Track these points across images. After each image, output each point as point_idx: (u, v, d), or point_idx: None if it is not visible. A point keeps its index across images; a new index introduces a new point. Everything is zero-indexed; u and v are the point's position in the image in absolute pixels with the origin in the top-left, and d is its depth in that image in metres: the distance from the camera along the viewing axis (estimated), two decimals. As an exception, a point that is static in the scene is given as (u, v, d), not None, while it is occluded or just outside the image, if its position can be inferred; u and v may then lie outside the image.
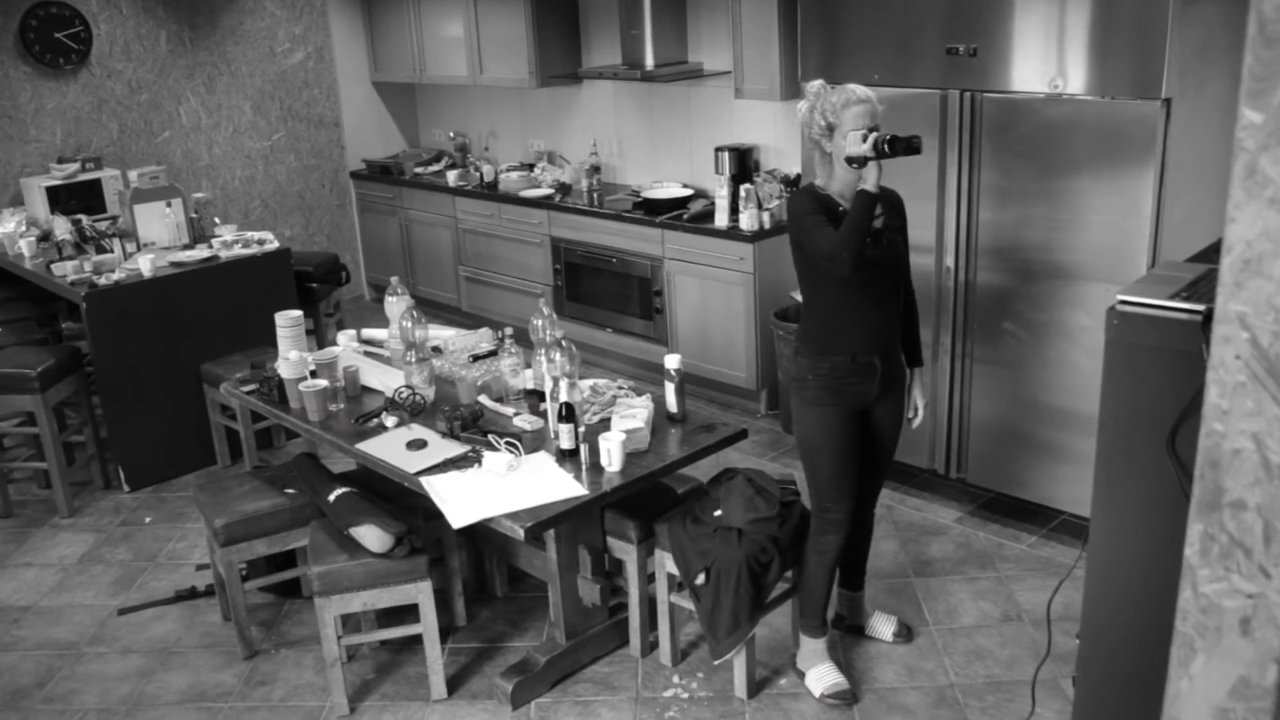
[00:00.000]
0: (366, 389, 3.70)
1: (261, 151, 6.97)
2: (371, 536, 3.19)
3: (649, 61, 5.55)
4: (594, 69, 6.03)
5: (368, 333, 4.16)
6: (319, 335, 5.53)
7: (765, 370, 5.21)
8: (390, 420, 3.40)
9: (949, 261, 4.08)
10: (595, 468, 3.09)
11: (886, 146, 2.87)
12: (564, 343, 3.38)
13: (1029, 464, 4.07)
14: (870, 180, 2.90)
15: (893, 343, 3.14)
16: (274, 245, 5.18)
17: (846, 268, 2.94)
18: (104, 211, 5.67)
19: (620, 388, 3.55)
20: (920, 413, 3.32)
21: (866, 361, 3.08)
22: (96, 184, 5.76)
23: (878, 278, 3.06)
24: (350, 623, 3.59)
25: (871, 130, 2.90)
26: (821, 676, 3.26)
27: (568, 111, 6.55)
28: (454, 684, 3.42)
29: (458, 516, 2.91)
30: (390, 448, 3.27)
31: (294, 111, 7.06)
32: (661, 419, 3.39)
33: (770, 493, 3.26)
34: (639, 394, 3.52)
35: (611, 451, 3.06)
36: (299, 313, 3.85)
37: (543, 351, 3.48)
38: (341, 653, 3.32)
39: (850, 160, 2.90)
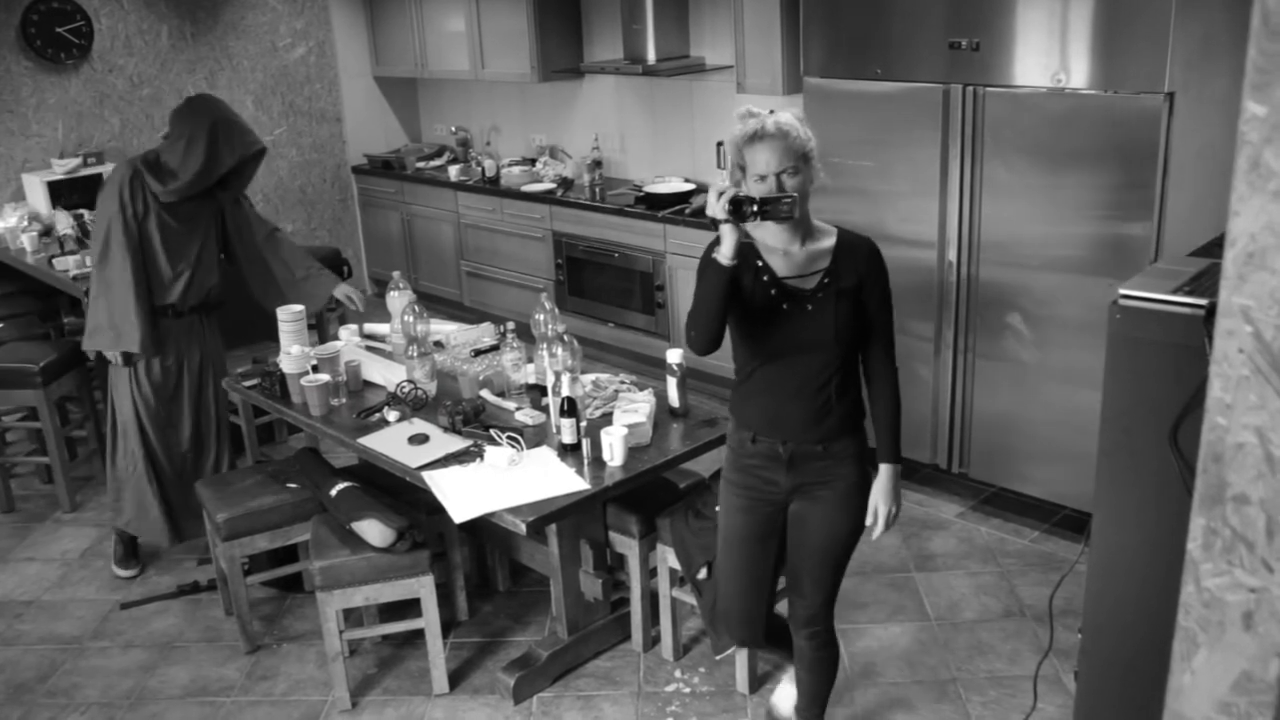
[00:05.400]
0: (368, 384, 3.70)
1: (263, 146, 6.96)
2: (373, 531, 3.19)
3: (651, 56, 5.54)
4: (596, 63, 6.03)
5: (370, 327, 4.16)
6: (321, 330, 5.53)
7: (767, 365, 5.20)
8: (392, 415, 3.40)
9: (951, 256, 4.08)
10: (597, 462, 3.09)
11: (746, 208, 2.31)
12: (566, 337, 3.38)
13: (1031, 459, 4.06)
14: (724, 250, 2.35)
15: (812, 433, 2.53)
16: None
17: (698, 348, 2.50)
18: (106, 206, 5.67)
19: (622, 382, 3.55)
20: (881, 523, 2.61)
21: (769, 447, 2.56)
22: (98, 179, 5.75)
23: (791, 352, 2.50)
24: (352, 617, 3.59)
25: (762, 179, 2.38)
26: (783, 697, 3.07)
27: (570, 106, 6.54)
28: (456, 678, 3.42)
29: (459, 511, 2.91)
30: (392, 442, 3.27)
31: (295, 106, 7.06)
32: (663, 413, 3.39)
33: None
34: (641, 388, 3.51)
35: (613, 446, 3.06)
36: (301, 307, 3.85)
37: (544, 346, 3.47)
38: (343, 647, 3.32)
39: (713, 221, 2.36)
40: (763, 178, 2.38)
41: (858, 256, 2.52)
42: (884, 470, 2.62)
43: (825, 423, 2.53)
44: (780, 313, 2.48)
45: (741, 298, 2.46)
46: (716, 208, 2.31)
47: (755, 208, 2.31)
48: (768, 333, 2.50)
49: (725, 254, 2.35)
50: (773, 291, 2.48)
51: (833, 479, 2.58)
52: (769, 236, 2.50)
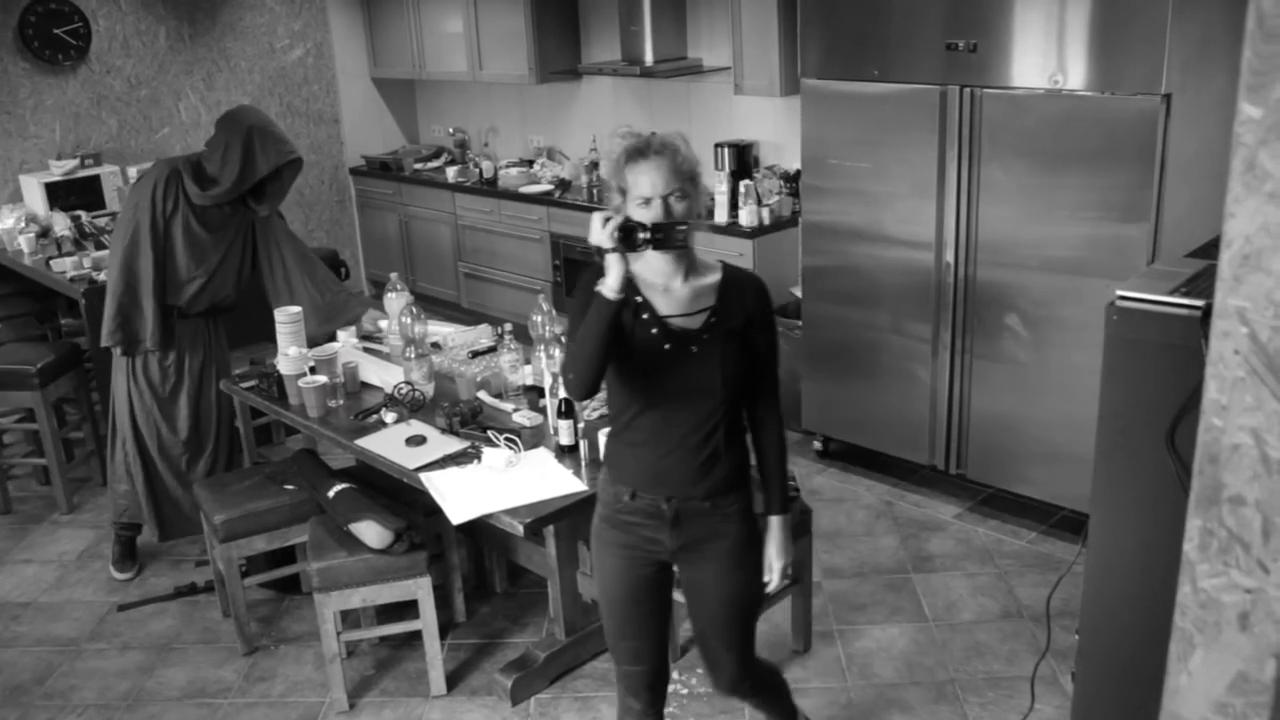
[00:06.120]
0: (366, 385, 3.70)
1: (261, 148, 6.95)
2: (371, 532, 3.19)
3: (648, 57, 5.55)
4: (594, 65, 6.03)
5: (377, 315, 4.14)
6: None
7: (765, 366, 5.20)
8: (389, 416, 3.40)
9: (948, 257, 4.08)
10: (594, 463, 3.08)
11: (637, 236, 2.11)
12: (563, 339, 3.38)
13: (1028, 459, 4.06)
14: (609, 282, 2.13)
15: (698, 487, 2.31)
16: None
17: (577, 393, 2.27)
18: (103, 208, 5.66)
19: (620, 384, 3.55)
20: (775, 578, 2.45)
21: (651, 503, 2.33)
22: (95, 180, 5.75)
23: (675, 399, 2.28)
24: (350, 619, 3.59)
25: (646, 202, 2.17)
26: None
27: (567, 107, 6.54)
28: (454, 680, 3.42)
29: (457, 512, 2.91)
30: (389, 444, 3.26)
31: (293, 108, 7.05)
32: (661, 415, 3.38)
33: (769, 489, 3.24)
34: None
35: (611, 447, 3.05)
36: (298, 309, 3.84)
37: (542, 347, 3.47)
38: (341, 649, 3.32)
39: (598, 251, 2.15)
40: (647, 201, 2.17)
41: (745, 294, 2.31)
42: (775, 523, 2.45)
43: (712, 476, 2.31)
44: (663, 355, 2.24)
45: (621, 338, 2.22)
46: (603, 235, 2.10)
47: (647, 235, 2.11)
48: (649, 377, 2.26)
49: (611, 287, 2.13)
50: (654, 331, 2.25)
51: (721, 536, 2.36)
52: (649, 271, 2.27)
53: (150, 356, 3.88)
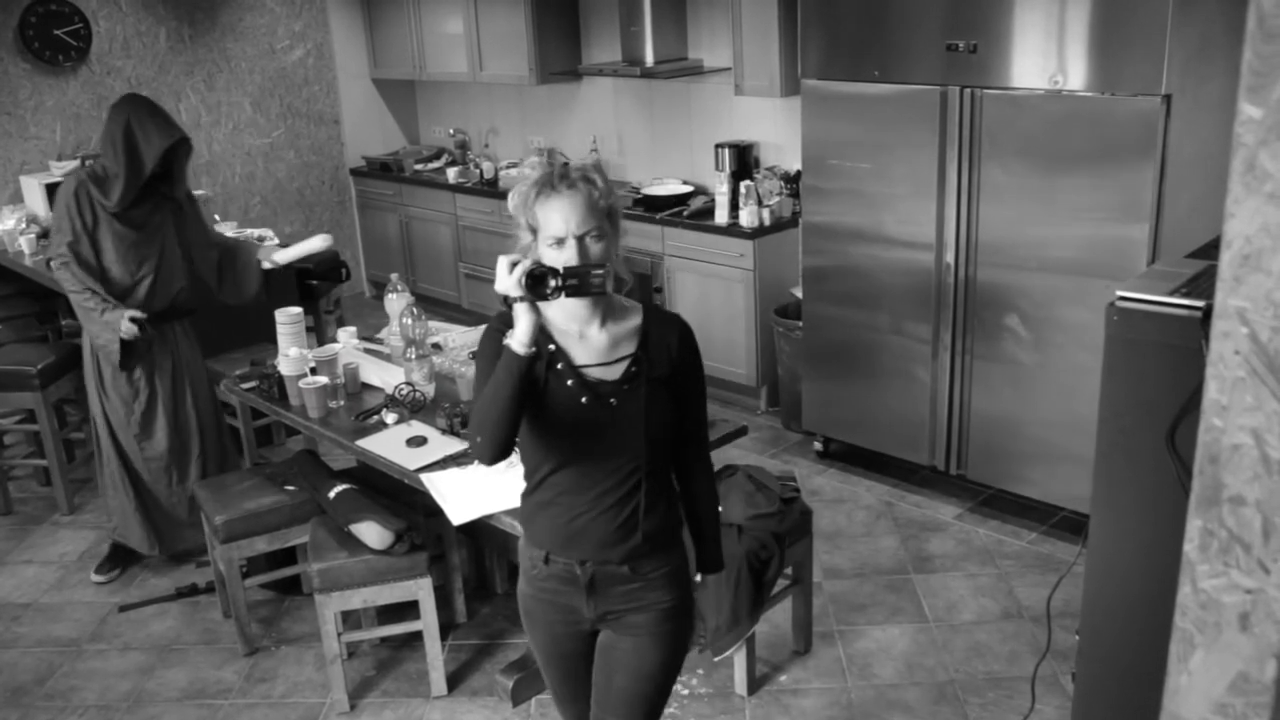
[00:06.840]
0: (366, 386, 3.70)
1: (261, 148, 6.96)
2: (371, 533, 3.19)
3: (649, 58, 5.55)
4: (594, 66, 6.03)
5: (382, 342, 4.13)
6: (319, 332, 5.53)
7: (765, 367, 5.21)
8: (390, 417, 3.40)
9: (949, 258, 4.08)
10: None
11: (548, 283, 1.91)
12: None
13: (1029, 460, 4.07)
14: (519, 335, 1.94)
15: (615, 550, 2.10)
16: (274, 242, 5.17)
17: (486, 457, 2.05)
18: (104, 208, 5.66)
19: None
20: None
21: (565, 568, 2.14)
22: (96, 181, 5.75)
23: (592, 455, 2.07)
24: (350, 619, 3.59)
25: (559, 242, 1.97)
26: None
27: (568, 108, 6.54)
28: (454, 681, 3.42)
29: (458, 513, 2.91)
30: (390, 445, 3.26)
31: (294, 108, 7.06)
32: (661, 415, 3.37)
33: (770, 489, 3.26)
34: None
35: (611, 448, 3.05)
36: (299, 310, 3.84)
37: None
38: (342, 649, 3.32)
39: (506, 301, 1.96)
40: (560, 241, 1.97)
41: (669, 338, 2.11)
42: (712, 581, 2.33)
43: (631, 539, 2.10)
44: (580, 409, 2.04)
45: (534, 391, 2.03)
46: (510, 283, 1.90)
47: (560, 282, 1.91)
48: (564, 432, 2.06)
49: (521, 340, 1.94)
50: (570, 383, 2.05)
51: (645, 605, 2.16)
52: (562, 316, 2.07)
53: (116, 371, 3.82)
